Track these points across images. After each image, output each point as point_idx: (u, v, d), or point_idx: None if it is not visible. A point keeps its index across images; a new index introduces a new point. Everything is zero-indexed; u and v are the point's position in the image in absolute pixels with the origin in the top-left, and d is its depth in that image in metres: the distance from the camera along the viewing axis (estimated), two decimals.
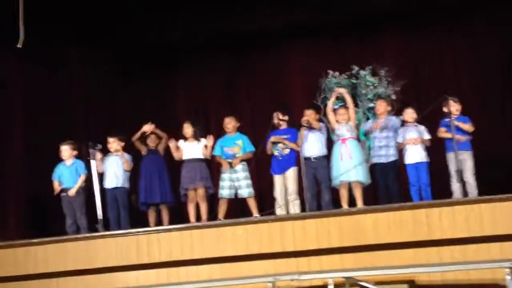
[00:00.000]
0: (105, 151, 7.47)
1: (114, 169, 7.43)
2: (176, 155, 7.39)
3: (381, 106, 7.25)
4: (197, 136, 7.43)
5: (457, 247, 5.82)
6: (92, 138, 7.44)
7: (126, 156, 7.50)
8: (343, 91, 7.35)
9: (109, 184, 7.40)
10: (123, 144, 7.53)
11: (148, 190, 7.42)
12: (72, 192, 7.20)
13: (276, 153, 7.32)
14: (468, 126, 6.89)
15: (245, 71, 9.61)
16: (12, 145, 8.01)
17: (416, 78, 8.91)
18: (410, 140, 7.06)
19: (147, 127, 7.47)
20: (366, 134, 7.50)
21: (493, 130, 8.20)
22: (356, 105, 8.41)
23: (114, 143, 7.47)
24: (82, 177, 7.27)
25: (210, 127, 9.21)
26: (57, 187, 7.30)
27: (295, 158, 7.25)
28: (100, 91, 9.03)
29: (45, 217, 7.74)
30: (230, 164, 7.18)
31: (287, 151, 7.27)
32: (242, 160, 7.24)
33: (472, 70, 8.82)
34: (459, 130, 6.83)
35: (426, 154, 7.09)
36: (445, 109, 6.85)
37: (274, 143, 7.31)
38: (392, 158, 7.09)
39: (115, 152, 7.48)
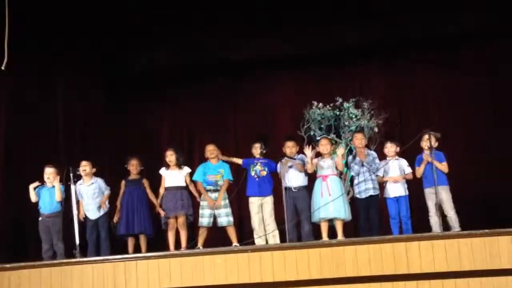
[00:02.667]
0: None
1: (92, 200, 7.37)
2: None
3: (362, 141, 7.28)
4: (180, 164, 7.42)
5: (436, 281, 5.83)
6: (74, 163, 7.39)
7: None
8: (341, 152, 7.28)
9: (90, 215, 7.35)
10: (94, 169, 7.49)
11: (128, 221, 7.38)
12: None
13: (252, 173, 7.32)
14: (444, 167, 6.92)
15: (230, 100, 9.64)
16: None
17: (399, 111, 8.98)
18: (391, 178, 7.09)
19: None
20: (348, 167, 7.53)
21: (475, 166, 8.26)
22: (338, 136, 8.50)
23: (87, 167, 7.41)
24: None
25: (194, 155, 9.21)
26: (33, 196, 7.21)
27: (271, 185, 7.27)
28: (84, 116, 9.00)
29: (22, 242, 7.61)
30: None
31: (264, 173, 7.31)
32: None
33: (456, 105, 8.90)
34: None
35: (406, 187, 7.14)
36: (423, 144, 6.91)
37: (251, 164, 7.31)
38: (373, 192, 7.11)
39: (86, 176, 7.41)
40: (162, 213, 7.28)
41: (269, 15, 8.47)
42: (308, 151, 7.05)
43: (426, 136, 6.82)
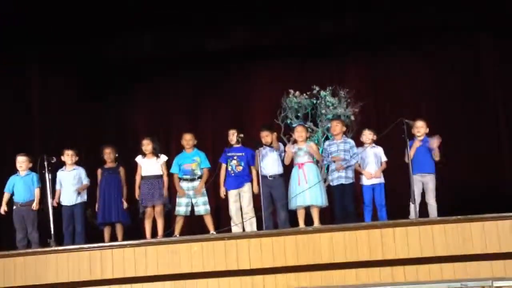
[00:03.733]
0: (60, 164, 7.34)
1: (71, 186, 7.31)
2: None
3: (337, 127, 7.32)
4: (156, 153, 7.38)
5: (410, 266, 5.90)
6: (48, 151, 7.30)
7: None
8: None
9: (67, 201, 7.28)
10: (77, 158, 7.43)
11: (105, 210, 7.35)
12: (34, 206, 7.08)
13: (229, 168, 7.31)
14: (437, 153, 6.97)
15: (207, 89, 9.61)
16: None
17: (375, 100, 9.05)
18: (367, 174, 7.13)
19: None
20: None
21: (448, 153, 8.35)
22: (315, 124, 8.52)
23: (72, 156, 7.36)
24: (37, 191, 7.12)
25: (171, 144, 9.17)
26: (4, 200, 7.14)
27: (248, 174, 7.26)
28: (59, 103, 8.90)
29: None
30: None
31: (239, 168, 7.27)
32: (199, 179, 7.24)
33: (432, 94, 9.00)
34: (425, 151, 6.92)
35: (382, 175, 7.19)
36: (413, 131, 6.96)
37: (228, 158, 7.30)
38: (349, 180, 7.15)
39: (68, 165, 7.35)
40: (125, 204, 7.31)
41: (244, 5, 8.43)
42: (290, 148, 7.07)
43: (418, 123, 6.86)
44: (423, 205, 6.87)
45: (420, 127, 6.96)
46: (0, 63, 7.90)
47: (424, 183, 6.88)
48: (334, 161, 7.13)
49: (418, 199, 6.72)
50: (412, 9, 8.58)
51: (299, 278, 6.07)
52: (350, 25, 8.90)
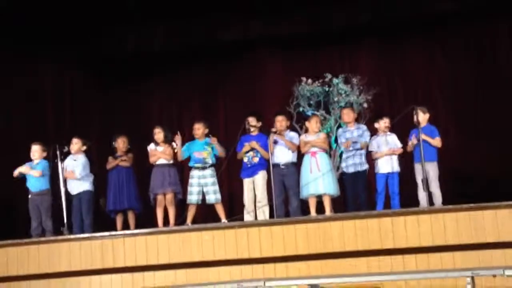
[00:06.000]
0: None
1: (78, 173, 7.31)
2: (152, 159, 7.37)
3: (349, 116, 7.27)
4: (168, 141, 7.39)
5: (421, 255, 5.87)
6: (62, 140, 7.37)
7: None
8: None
9: (73, 190, 7.30)
10: (85, 147, 7.46)
11: (116, 198, 7.38)
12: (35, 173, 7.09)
13: (245, 160, 7.30)
14: (436, 142, 6.91)
15: (219, 78, 9.60)
16: None
17: (388, 87, 8.97)
18: (383, 153, 7.06)
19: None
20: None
21: (462, 141, 8.27)
22: (328, 112, 8.48)
23: (77, 145, 7.39)
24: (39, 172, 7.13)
25: (184, 133, 9.17)
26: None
27: (264, 164, 7.24)
28: (73, 93, 8.96)
29: (11, 219, 7.63)
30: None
31: (256, 159, 7.23)
32: (210, 168, 7.23)
33: (445, 81, 8.90)
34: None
35: (397, 163, 7.12)
36: (414, 119, 6.89)
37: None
38: (362, 167, 7.11)
39: (75, 154, 7.38)
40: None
41: None
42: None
43: (420, 111, 6.79)
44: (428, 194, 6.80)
45: (419, 116, 6.78)
46: (15, 55, 7.95)
47: (427, 171, 6.72)
48: (346, 147, 7.08)
49: (421, 186, 6.64)
50: None
51: (310, 266, 6.07)
52: (363, 12, 8.80)
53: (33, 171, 7.13)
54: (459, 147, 8.16)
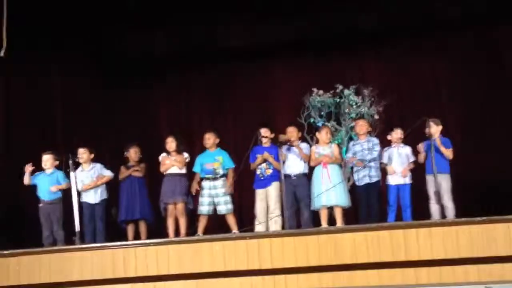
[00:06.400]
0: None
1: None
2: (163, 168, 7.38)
3: (363, 127, 7.26)
4: (180, 151, 7.41)
5: (434, 268, 5.82)
6: (72, 149, 7.40)
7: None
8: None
9: (88, 199, 7.35)
10: (92, 155, 7.50)
11: (128, 208, 7.41)
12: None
13: (258, 172, 7.29)
14: (448, 152, 6.88)
15: (230, 87, 9.61)
16: None
17: (399, 99, 8.94)
18: (391, 169, 7.04)
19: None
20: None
21: (473, 152, 8.23)
22: (339, 123, 8.48)
23: (84, 154, 7.42)
24: (65, 185, 7.19)
25: (193, 142, 9.19)
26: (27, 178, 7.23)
27: (277, 175, 7.22)
28: (82, 102, 8.99)
29: (22, 228, 7.64)
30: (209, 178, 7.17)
31: (269, 171, 7.23)
32: (222, 178, 7.22)
33: (456, 92, 8.87)
34: (439, 151, 6.84)
35: (409, 175, 7.10)
36: (426, 131, 6.87)
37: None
38: (374, 179, 7.10)
39: (84, 163, 7.42)
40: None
41: (269, 1, 8.41)
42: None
43: (432, 123, 6.77)
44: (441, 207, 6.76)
45: (431, 128, 6.80)
46: (26, 61, 7.98)
47: (439, 184, 6.69)
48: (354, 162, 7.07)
49: (433, 198, 6.64)
50: (436, 2, 8.46)
51: (321, 278, 6.04)
52: (374, 23, 8.81)
53: (64, 184, 7.21)
54: (471, 159, 8.11)
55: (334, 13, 8.75)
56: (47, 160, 7.29)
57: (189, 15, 8.68)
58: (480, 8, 8.43)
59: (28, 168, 7.20)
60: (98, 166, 7.52)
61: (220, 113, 9.56)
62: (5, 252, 6.51)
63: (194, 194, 7.26)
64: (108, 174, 7.50)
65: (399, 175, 7.06)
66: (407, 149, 7.17)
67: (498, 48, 8.73)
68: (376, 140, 7.25)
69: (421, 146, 6.92)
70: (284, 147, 7.12)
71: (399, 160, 7.12)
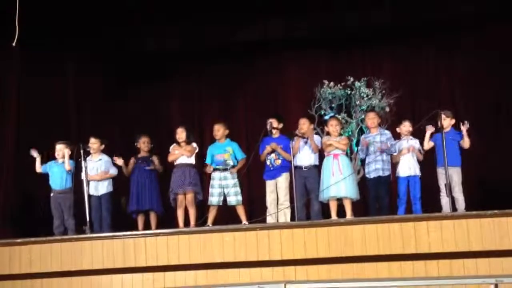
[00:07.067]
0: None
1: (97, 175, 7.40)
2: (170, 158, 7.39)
3: (374, 120, 7.24)
4: (190, 141, 7.42)
5: (444, 261, 5.82)
6: (84, 139, 7.43)
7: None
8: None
9: (94, 191, 7.37)
10: (103, 146, 7.52)
11: (138, 198, 7.44)
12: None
13: (267, 162, 7.30)
14: (465, 143, 6.84)
15: (241, 80, 9.60)
16: (5, 144, 8.01)
17: (410, 91, 8.90)
18: (404, 150, 7.00)
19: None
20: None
21: (484, 146, 8.18)
22: (349, 115, 8.45)
23: (95, 144, 7.44)
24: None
25: (204, 135, 9.21)
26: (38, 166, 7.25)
27: (287, 166, 7.23)
28: (95, 94, 9.02)
29: (33, 217, 7.70)
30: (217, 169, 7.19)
31: (278, 162, 7.23)
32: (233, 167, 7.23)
33: (467, 85, 8.82)
34: (451, 144, 6.81)
35: (418, 167, 7.07)
36: (438, 123, 6.83)
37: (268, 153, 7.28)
38: (384, 172, 7.07)
39: (94, 153, 7.45)
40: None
41: None
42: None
43: (444, 116, 6.72)
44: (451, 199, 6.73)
45: (444, 120, 6.74)
46: (39, 60, 8.03)
47: (450, 176, 6.63)
48: (381, 150, 7.01)
49: (444, 191, 6.59)
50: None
51: (331, 270, 6.05)
52: (385, 15, 8.77)
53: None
54: (483, 152, 8.06)
55: (346, 8, 8.70)
56: (60, 149, 7.31)
57: (200, 10, 8.65)
58: (493, 6, 8.35)
59: (33, 153, 7.20)
60: (106, 159, 7.52)
61: (231, 107, 9.57)
62: (18, 240, 6.57)
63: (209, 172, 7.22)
64: (112, 172, 7.52)
65: (409, 166, 7.01)
66: (415, 141, 7.14)
67: (509, 45, 8.66)
68: (389, 133, 7.23)
69: (430, 127, 6.85)
70: (302, 140, 7.10)
71: (408, 153, 7.07)
